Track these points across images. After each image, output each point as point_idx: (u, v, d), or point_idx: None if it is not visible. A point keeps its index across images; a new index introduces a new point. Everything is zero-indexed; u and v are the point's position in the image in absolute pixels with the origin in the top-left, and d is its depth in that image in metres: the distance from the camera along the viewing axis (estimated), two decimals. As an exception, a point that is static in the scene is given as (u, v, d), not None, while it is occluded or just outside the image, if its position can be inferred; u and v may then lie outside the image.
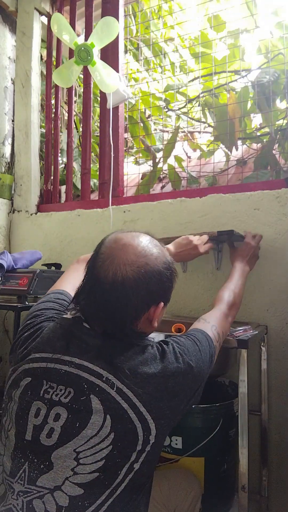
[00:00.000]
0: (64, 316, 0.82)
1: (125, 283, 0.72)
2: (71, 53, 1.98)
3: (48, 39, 2.29)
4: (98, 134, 2.11)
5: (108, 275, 0.73)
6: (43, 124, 2.32)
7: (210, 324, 0.92)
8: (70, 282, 1.02)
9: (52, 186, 2.22)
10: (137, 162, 2.48)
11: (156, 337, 1.10)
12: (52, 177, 2.22)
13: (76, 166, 2.44)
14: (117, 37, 1.65)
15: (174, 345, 0.78)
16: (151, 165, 2.54)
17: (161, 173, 2.44)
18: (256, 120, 2.32)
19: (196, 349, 0.80)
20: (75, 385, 0.70)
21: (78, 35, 2.09)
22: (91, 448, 0.66)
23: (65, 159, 2.31)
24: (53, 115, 2.26)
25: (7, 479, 0.69)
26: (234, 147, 2.06)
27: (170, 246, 1.31)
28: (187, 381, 0.74)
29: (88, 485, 0.65)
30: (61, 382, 0.71)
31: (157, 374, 0.71)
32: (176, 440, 1.20)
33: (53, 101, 2.27)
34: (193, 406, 1.18)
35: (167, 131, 2.64)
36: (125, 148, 2.16)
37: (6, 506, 0.67)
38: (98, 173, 2.08)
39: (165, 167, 2.35)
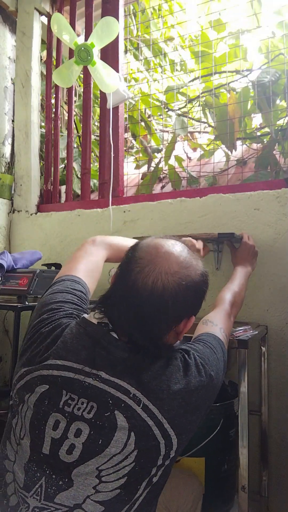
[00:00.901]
0: (87, 318, 0.76)
1: (165, 294, 0.69)
2: (71, 53, 1.98)
3: (48, 39, 2.29)
4: (98, 134, 2.11)
5: (147, 283, 0.69)
6: (43, 124, 2.32)
7: (218, 326, 0.90)
8: (84, 269, 0.95)
9: (52, 186, 2.22)
10: (137, 165, 2.48)
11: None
12: (52, 177, 2.22)
13: (76, 166, 2.44)
14: (117, 37, 1.65)
15: (196, 356, 0.75)
16: (148, 166, 2.53)
17: (161, 173, 2.44)
18: (256, 120, 2.32)
19: (215, 358, 0.78)
20: (99, 400, 0.66)
21: (78, 35, 2.09)
22: (114, 466, 0.64)
23: (65, 158, 2.31)
24: (53, 115, 2.26)
25: (20, 492, 0.66)
26: (234, 147, 2.06)
27: None
28: (209, 394, 0.73)
29: (109, 502, 0.64)
30: (84, 395, 0.67)
31: (181, 390, 0.69)
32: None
33: (53, 101, 2.27)
34: None
35: (167, 131, 2.64)
36: (125, 148, 2.16)
37: None
38: (98, 173, 2.08)
39: (165, 167, 2.35)
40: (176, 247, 0.74)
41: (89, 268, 0.95)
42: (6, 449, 0.71)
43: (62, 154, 2.35)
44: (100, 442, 0.64)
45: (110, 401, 0.66)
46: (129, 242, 1.08)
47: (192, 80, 2.51)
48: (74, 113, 2.28)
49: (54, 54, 2.28)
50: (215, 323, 0.91)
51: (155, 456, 0.66)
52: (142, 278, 0.69)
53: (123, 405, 0.66)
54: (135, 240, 0.84)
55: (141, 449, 0.65)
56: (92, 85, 2.11)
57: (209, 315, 0.97)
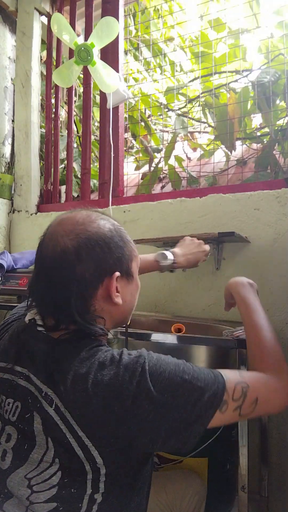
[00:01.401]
0: (24, 317, 0.73)
1: (65, 254, 0.65)
2: (71, 53, 1.98)
3: (48, 39, 2.29)
4: (98, 134, 2.11)
5: (48, 252, 0.67)
6: (43, 124, 2.32)
7: (241, 376, 0.67)
8: None
9: (52, 186, 2.22)
10: (137, 166, 2.48)
11: (154, 337, 1.10)
12: (52, 177, 2.22)
13: (76, 166, 2.44)
14: (117, 37, 1.65)
15: (143, 357, 0.62)
16: (149, 166, 2.53)
17: (161, 173, 2.44)
18: (256, 120, 2.32)
19: (175, 379, 0.61)
20: (22, 399, 0.63)
21: (78, 35, 2.09)
22: (40, 474, 0.59)
23: (65, 158, 2.31)
24: (53, 115, 2.26)
25: None
26: (233, 147, 2.06)
27: (177, 249, 1.21)
28: (142, 411, 0.58)
29: None
30: (11, 394, 0.64)
31: (100, 393, 0.58)
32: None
33: (53, 101, 2.27)
34: None
35: (167, 131, 2.64)
36: (125, 148, 2.16)
37: None
38: (98, 173, 2.08)
39: (165, 167, 2.35)
40: (75, 212, 0.71)
41: None
42: None
43: (62, 154, 2.35)
44: (25, 447, 0.60)
45: (30, 400, 0.62)
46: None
47: (192, 80, 2.51)
48: (74, 113, 2.28)
49: (54, 54, 2.28)
50: (241, 374, 0.68)
51: (79, 467, 0.58)
52: (45, 249, 0.68)
53: (38, 405, 0.60)
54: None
55: (61, 457, 0.58)
56: (92, 85, 2.11)
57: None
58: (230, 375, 0.65)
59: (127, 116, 2.34)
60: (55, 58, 2.28)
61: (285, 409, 0.69)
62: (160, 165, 2.44)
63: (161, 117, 2.67)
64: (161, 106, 2.53)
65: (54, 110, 2.25)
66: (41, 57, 2.33)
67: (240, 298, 0.91)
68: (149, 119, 2.57)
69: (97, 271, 0.67)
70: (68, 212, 0.73)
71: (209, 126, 2.50)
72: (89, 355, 0.62)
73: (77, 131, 2.65)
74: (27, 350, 0.66)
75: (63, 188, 2.32)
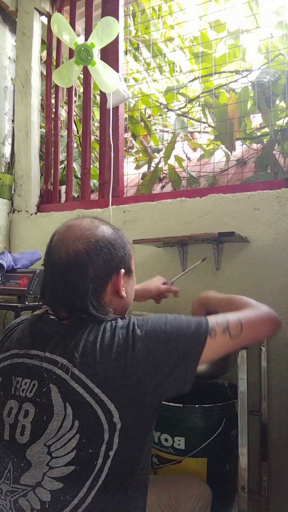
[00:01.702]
0: (35, 313, 0.82)
1: (79, 257, 0.74)
2: (71, 53, 1.98)
3: (48, 39, 2.29)
4: (98, 134, 2.11)
5: (61, 255, 0.75)
6: (43, 124, 2.32)
7: (221, 316, 0.76)
8: None
9: (52, 186, 2.22)
10: (137, 165, 2.48)
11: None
12: (52, 177, 2.22)
13: (76, 166, 2.44)
14: (117, 37, 1.65)
15: (133, 319, 0.73)
16: (148, 166, 2.54)
17: (161, 173, 2.44)
18: (256, 120, 2.32)
19: (160, 321, 0.72)
20: (38, 377, 0.70)
21: (78, 35, 2.09)
22: (59, 440, 0.65)
23: (65, 158, 2.31)
24: (53, 115, 2.26)
25: None
26: (233, 147, 2.06)
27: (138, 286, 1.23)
28: (140, 353, 0.68)
29: (66, 478, 0.64)
30: (27, 375, 0.71)
31: (107, 353, 0.67)
32: (179, 440, 1.20)
33: (53, 101, 2.27)
34: (196, 406, 1.18)
35: (167, 131, 2.64)
36: (125, 148, 2.16)
37: None
38: (98, 173, 2.08)
39: (165, 167, 2.35)
40: (78, 220, 0.80)
41: None
42: None
43: (62, 154, 2.35)
44: (44, 419, 0.66)
45: (45, 375, 0.69)
46: None
47: (192, 80, 2.51)
48: (74, 113, 2.28)
49: (54, 54, 2.28)
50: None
51: (96, 424, 0.65)
52: (56, 253, 0.76)
53: (54, 376, 0.68)
54: None
55: (80, 418, 0.65)
56: (92, 85, 2.11)
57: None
58: (211, 318, 0.75)
59: (127, 116, 2.34)
60: (55, 58, 2.28)
61: (277, 329, 0.80)
62: (160, 165, 2.44)
63: (161, 117, 2.67)
64: (161, 106, 2.53)
65: (54, 110, 2.25)
66: (41, 57, 2.33)
67: (208, 297, 1.02)
68: (149, 119, 2.57)
69: (106, 269, 0.76)
70: (73, 219, 0.81)
71: (209, 126, 2.50)
72: (96, 327, 0.72)
73: (77, 131, 2.65)
74: (42, 335, 0.74)
75: (63, 188, 2.32)
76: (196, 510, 0.98)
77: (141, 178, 2.34)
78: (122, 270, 0.79)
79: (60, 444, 0.65)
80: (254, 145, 2.18)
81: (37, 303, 0.83)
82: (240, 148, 2.26)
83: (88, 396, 0.66)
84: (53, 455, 0.65)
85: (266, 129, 2.13)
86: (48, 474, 0.65)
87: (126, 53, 2.39)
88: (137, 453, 0.70)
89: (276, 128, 2.00)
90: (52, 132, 2.24)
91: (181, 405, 1.19)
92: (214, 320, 0.74)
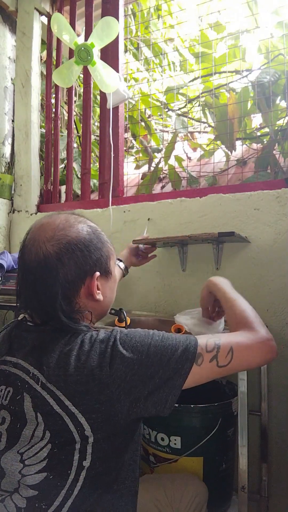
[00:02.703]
0: (15, 319, 0.81)
1: (48, 260, 0.70)
2: (71, 53, 1.98)
3: (48, 39, 2.29)
4: (98, 134, 2.11)
5: (31, 258, 0.71)
6: (43, 124, 2.32)
7: (214, 336, 0.73)
8: None
9: (52, 186, 2.22)
10: (137, 165, 2.48)
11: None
12: (52, 177, 2.22)
13: (76, 166, 2.44)
14: (117, 37, 1.65)
15: (115, 333, 0.69)
16: (149, 166, 2.53)
17: (161, 173, 2.44)
18: (256, 120, 2.32)
19: (145, 341, 0.68)
20: (13, 384, 0.69)
21: (78, 35, 2.09)
22: (31, 448, 0.65)
23: (65, 158, 2.31)
24: (53, 115, 2.26)
25: None
26: (233, 147, 2.06)
27: (124, 251, 1.45)
28: (119, 372, 0.64)
29: (40, 486, 0.64)
30: (4, 382, 0.70)
31: (80, 366, 0.64)
32: (175, 440, 1.20)
33: (53, 101, 2.27)
34: (192, 406, 1.18)
35: (167, 131, 2.64)
36: (125, 148, 2.16)
37: None
38: (98, 173, 2.08)
39: (165, 167, 2.35)
40: (54, 216, 0.76)
41: None
42: None
43: (62, 154, 2.35)
44: (18, 426, 0.66)
45: (19, 384, 0.68)
46: None
47: (192, 80, 2.51)
48: (74, 113, 2.28)
49: (54, 54, 2.28)
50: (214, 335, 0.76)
51: (68, 436, 0.63)
52: (27, 255, 0.72)
53: (26, 386, 0.67)
54: None
55: (51, 429, 0.64)
56: (92, 85, 2.11)
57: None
58: (201, 336, 0.72)
59: (127, 116, 2.34)
60: (55, 58, 2.28)
61: (271, 359, 0.74)
62: (160, 165, 2.44)
63: (161, 117, 2.67)
64: (161, 106, 2.53)
65: (54, 110, 2.25)
66: (41, 57, 2.33)
67: (216, 285, 0.96)
68: (149, 119, 2.57)
69: (78, 273, 0.72)
70: (47, 216, 0.77)
71: (209, 126, 2.50)
72: (72, 338, 0.68)
73: (77, 131, 2.65)
74: (17, 342, 0.73)
75: (63, 188, 2.32)
76: (192, 508, 0.97)
77: (141, 178, 2.34)
78: (97, 273, 0.75)
79: (32, 452, 0.65)
80: (254, 145, 2.17)
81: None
82: (240, 148, 2.26)
83: (58, 408, 0.64)
84: (26, 463, 0.65)
85: (266, 129, 2.13)
86: (22, 482, 0.64)
87: (126, 50, 2.39)
88: (116, 463, 0.68)
89: (276, 128, 2.00)
90: (52, 132, 2.24)
91: (177, 405, 1.19)
92: (204, 343, 0.69)
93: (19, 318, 0.78)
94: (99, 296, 0.76)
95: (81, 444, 0.64)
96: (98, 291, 0.76)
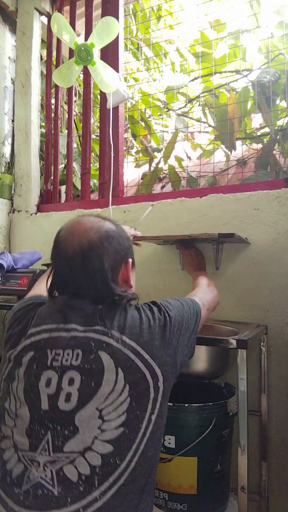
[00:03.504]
0: (54, 296, 0.86)
1: (93, 245, 0.79)
2: (71, 53, 1.98)
3: (48, 39, 2.29)
4: (98, 134, 2.11)
5: (75, 248, 0.78)
6: (43, 124, 2.32)
7: (197, 296, 1.03)
8: (39, 290, 1.06)
9: (52, 186, 2.22)
10: (137, 165, 2.47)
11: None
12: (52, 177, 2.22)
13: (76, 166, 2.44)
14: (117, 37, 1.65)
15: (160, 302, 0.86)
16: (149, 166, 2.53)
17: (161, 173, 2.44)
18: (256, 120, 2.32)
19: (178, 304, 0.88)
20: (83, 346, 0.73)
21: (78, 35, 2.09)
22: (112, 404, 0.69)
23: (65, 158, 2.31)
24: (53, 115, 2.26)
25: (26, 455, 0.68)
26: (233, 147, 2.06)
27: None
28: (174, 329, 0.81)
29: (116, 441, 0.67)
30: (68, 346, 0.74)
31: (150, 325, 0.77)
32: (169, 439, 1.20)
33: (53, 101, 2.27)
34: (186, 405, 1.18)
35: (167, 131, 2.64)
36: (125, 148, 2.16)
37: (32, 482, 0.66)
38: (98, 173, 2.08)
39: (165, 167, 2.35)
40: (84, 216, 0.87)
41: (43, 288, 1.01)
42: (2, 430, 0.74)
43: (62, 153, 2.35)
44: (93, 385, 0.70)
45: (92, 344, 0.73)
46: None
47: (192, 80, 2.51)
48: (74, 113, 2.28)
49: (54, 54, 2.28)
50: (192, 294, 1.07)
51: (145, 388, 0.72)
52: (70, 246, 0.79)
53: (104, 344, 0.73)
54: None
55: (131, 382, 0.71)
56: (92, 85, 2.11)
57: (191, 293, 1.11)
58: (195, 298, 0.99)
59: (127, 116, 2.34)
60: (55, 58, 2.28)
61: (218, 303, 1.15)
62: (160, 165, 2.44)
63: (161, 117, 2.67)
64: (161, 106, 2.53)
65: (54, 110, 2.25)
66: (41, 56, 2.33)
67: (199, 273, 1.37)
68: (149, 119, 2.57)
69: (117, 258, 0.82)
70: (78, 217, 0.87)
71: (209, 126, 2.50)
72: (132, 308, 0.81)
73: (77, 130, 2.65)
74: (74, 313, 0.78)
75: (63, 188, 2.32)
76: None
77: (141, 178, 2.34)
78: (130, 260, 0.85)
79: (112, 407, 0.69)
80: (254, 145, 2.17)
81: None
82: (240, 148, 2.26)
83: (139, 361, 0.72)
84: (105, 419, 0.68)
85: (266, 129, 2.13)
86: (100, 438, 0.67)
87: (125, 48, 2.38)
88: (164, 421, 0.77)
89: (276, 128, 2.00)
90: (52, 132, 2.24)
91: (171, 404, 1.19)
92: (200, 301, 0.98)
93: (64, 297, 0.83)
94: (131, 282, 0.86)
95: (154, 396, 0.72)
96: (131, 278, 0.86)
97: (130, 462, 0.67)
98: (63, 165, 2.43)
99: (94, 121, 2.57)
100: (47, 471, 0.65)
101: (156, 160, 2.51)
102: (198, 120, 2.52)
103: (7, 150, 2.28)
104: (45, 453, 0.67)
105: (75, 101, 2.56)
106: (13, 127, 2.30)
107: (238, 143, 2.20)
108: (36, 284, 1.17)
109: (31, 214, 2.15)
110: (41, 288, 1.04)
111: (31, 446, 0.68)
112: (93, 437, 0.67)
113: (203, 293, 1.11)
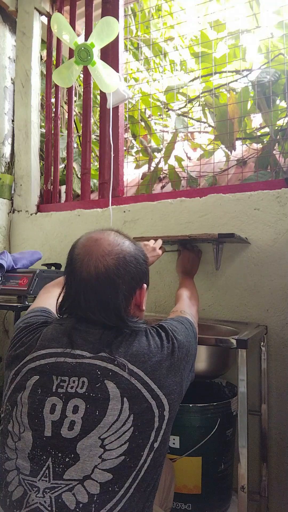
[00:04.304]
0: (61, 318, 0.84)
1: (109, 272, 0.76)
2: (71, 53, 1.98)
3: (48, 39, 2.29)
4: (98, 134, 2.11)
5: (90, 271, 0.76)
6: (43, 124, 2.32)
7: (188, 313, 1.02)
8: (46, 302, 1.03)
9: (52, 186, 2.22)
10: (137, 165, 2.47)
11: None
12: (52, 177, 2.22)
13: (76, 166, 2.44)
14: (117, 37, 1.65)
15: (168, 326, 0.84)
16: (149, 166, 2.53)
17: (161, 173, 2.44)
18: (256, 120, 2.32)
19: (183, 328, 0.87)
20: (89, 374, 0.72)
21: (78, 35, 2.09)
22: (114, 433, 0.68)
23: (65, 158, 2.31)
24: (53, 115, 2.26)
25: (26, 480, 0.68)
26: (233, 147, 2.06)
27: None
28: (182, 355, 0.80)
29: (116, 469, 0.67)
30: (73, 373, 0.72)
31: (159, 353, 0.76)
32: (174, 439, 1.20)
33: (53, 101, 2.27)
34: (191, 405, 1.18)
35: (167, 131, 2.64)
36: (125, 148, 2.16)
37: (31, 507, 0.66)
38: (98, 173, 2.08)
39: (165, 167, 2.35)
40: (104, 233, 0.83)
41: (50, 302, 1.00)
42: (6, 452, 0.73)
43: (62, 154, 2.35)
44: (97, 413, 0.69)
45: (99, 372, 0.72)
46: None
47: (192, 80, 2.51)
48: (74, 113, 2.28)
49: (54, 54, 2.28)
50: (183, 311, 1.03)
51: (150, 418, 0.71)
52: (85, 268, 0.77)
53: (110, 373, 0.71)
54: None
55: (136, 413, 0.70)
56: (92, 85, 2.11)
57: (176, 306, 1.09)
58: (188, 316, 0.97)
59: (127, 116, 2.34)
60: (55, 58, 2.28)
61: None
62: (160, 165, 2.44)
63: (161, 117, 2.67)
64: (161, 106, 2.53)
65: (54, 110, 2.25)
66: (41, 56, 2.33)
67: (185, 278, 1.37)
68: (149, 119, 2.57)
69: (133, 285, 0.80)
70: (96, 232, 0.84)
71: (209, 126, 2.50)
72: (140, 333, 0.78)
73: (77, 131, 2.65)
74: (81, 337, 0.77)
75: (63, 188, 2.32)
76: (167, 484, 1.06)
77: (141, 178, 2.34)
78: (145, 285, 0.84)
79: (114, 437, 0.68)
80: (254, 145, 2.17)
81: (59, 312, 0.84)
82: (240, 148, 2.26)
83: (146, 391, 0.71)
84: (107, 448, 0.67)
85: (266, 129, 2.13)
86: (100, 467, 0.67)
87: (125, 48, 2.38)
88: (167, 446, 0.76)
89: (276, 128, 2.00)
90: (52, 132, 2.24)
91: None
92: (192, 319, 0.97)
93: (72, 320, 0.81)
94: (143, 307, 0.85)
95: (158, 424, 0.71)
96: (143, 303, 0.85)
97: (129, 489, 0.67)
98: (63, 165, 2.43)
99: (94, 121, 2.57)
100: (46, 497, 0.66)
101: (156, 160, 2.51)
102: (198, 120, 2.52)
103: (7, 150, 2.28)
104: (46, 479, 0.67)
105: (75, 101, 2.56)
106: (13, 127, 2.30)
107: (238, 143, 2.20)
108: (42, 292, 1.12)
109: (31, 214, 2.15)
110: (47, 300, 1.03)
111: (32, 471, 0.68)
112: (93, 466, 0.66)
113: (189, 307, 1.09)
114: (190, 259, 1.48)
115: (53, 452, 0.68)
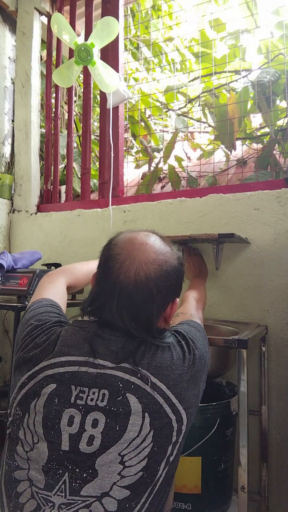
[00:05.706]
0: (81, 319, 0.79)
1: (149, 282, 0.72)
2: (71, 53, 1.98)
3: (48, 39, 2.29)
4: (98, 134, 2.11)
5: (130, 276, 0.72)
6: (43, 124, 2.32)
7: (196, 317, 1.00)
8: (52, 292, 0.98)
9: (52, 186, 2.22)
10: (137, 165, 2.48)
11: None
12: (52, 177, 2.22)
13: (76, 166, 2.44)
14: (117, 37, 1.65)
15: (187, 335, 0.80)
16: (149, 166, 2.54)
17: (161, 173, 2.44)
18: (256, 120, 2.32)
19: (200, 335, 0.84)
20: (110, 386, 0.68)
21: (78, 35, 2.09)
22: (134, 450, 0.66)
23: (65, 158, 2.31)
24: (53, 115, 2.26)
25: (40, 494, 0.65)
26: (233, 147, 2.06)
27: None
28: (201, 366, 0.78)
29: (134, 486, 0.65)
30: (94, 385, 0.69)
31: (181, 365, 0.73)
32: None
33: (53, 101, 2.27)
34: None
35: (167, 131, 2.64)
36: (125, 148, 2.16)
37: None
38: (98, 173, 2.08)
39: (165, 167, 2.35)
40: (150, 237, 0.78)
41: (56, 292, 0.97)
42: (16, 460, 0.70)
43: (63, 152, 2.35)
44: (117, 428, 0.66)
45: (121, 385, 0.68)
46: (91, 264, 1.14)
47: (192, 80, 2.51)
48: (74, 113, 2.28)
49: (54, 54, 2.28)
50: (192, 314, 1.00)
51: (169, 433, 0.68)
52: (124, 272, 0.72)
53: (132, 386, 0.68)
54: (95, 261, 0.83)
55: (156, 428, 0.67)
56: (92, 85, 2.11)
57: (180, 308, 1.05)
58: (197, 320, 0.94)
59: (127, 116, 2.34)
60: (55, 58, 2.28)
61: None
62: (160, 165, 2.44)
63: (161, 117, 2.67)
64: (161, 106, 2.53)
65: (54, 110, 2.25)
66: (41, 56, 2.33)
67: (196, 281, 1.36)
68: (149, 119, 2.57)
69: (168, 298, 0.77)
70: (141, 234, 0.79)
71: (209, 126, 2.50)
72: (162, 345, 0.75)
73: (77, 131, 2.65)
74: (105, 344, 0.72)
75: (63, 188, 2.32)
76: None
77: (141, 178, 2.34)
78: (177, 299, 0.81)
79: (134, 453, 0.65)
80: (254, 145, 2.17)
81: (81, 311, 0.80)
82: (240, 148, 2.26)
83: (167, 406, 0.69)
84: (126, 464, 0.65)
85: (266, 129, 2.13)
86: (119, 484, 0.64)
87: (125, 48, 2.39)
88: (178, 457, 0.73)
89: (276, 128, 2.00)
90: (52, 132, 2.24)
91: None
92: (201, 323, 0.95)
93: (90, 320, 0.77)
94: (170, 321, 0.82)
95: (175, 440, 0.69)
96: (172, 317, 0.82)
97: (144, 504, 0.66)
98: (63, 165, 2.43)
99: (94, 121, 2.57)
100: None
101: (156, 160, 2.51)
102: (198, 120, 2.52)
103: (7, 150, 2.28)
104: (61, 495, 0.64)
105: (75, 101, 2.56)
106: (13, 127, 2.30)
107: (238, 143, 2.20)
108: (46, 281, 1.04)
109: (31, 214, 2.15)
110: (51, 290, 0.98)
111: (47, 485, 0.65)
112: (112, 482, 0.64)
113: (196, 310, 1.07)
114: (195, 262, 1.47)
115: (70, 467, 0.65)
